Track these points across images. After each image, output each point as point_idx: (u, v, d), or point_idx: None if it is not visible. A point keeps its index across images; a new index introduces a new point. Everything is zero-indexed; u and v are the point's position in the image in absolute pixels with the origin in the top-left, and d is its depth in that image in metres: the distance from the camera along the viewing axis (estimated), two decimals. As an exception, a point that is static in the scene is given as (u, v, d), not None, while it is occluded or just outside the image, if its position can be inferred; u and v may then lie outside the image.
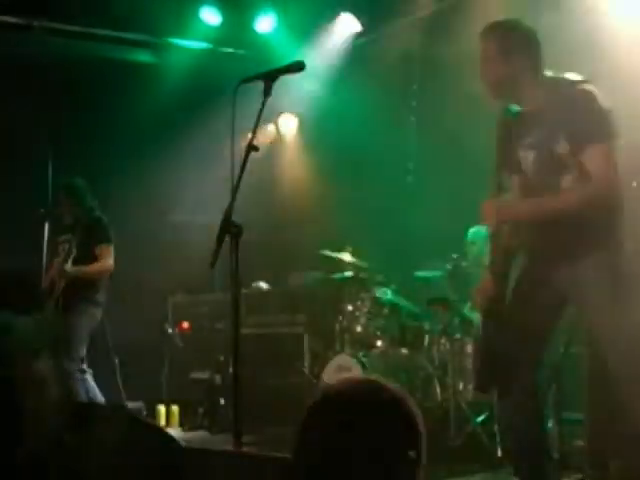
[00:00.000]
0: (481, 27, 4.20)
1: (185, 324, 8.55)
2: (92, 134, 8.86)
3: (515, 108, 4.27)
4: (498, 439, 6.11)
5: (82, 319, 7.12)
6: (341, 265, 7.54)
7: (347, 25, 9.02)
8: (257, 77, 3.94)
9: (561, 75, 4.13)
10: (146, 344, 8.61)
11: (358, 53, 9.30)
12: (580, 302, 4.01)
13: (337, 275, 7.55)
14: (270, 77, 3.92)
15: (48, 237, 7.28)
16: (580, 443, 5.34)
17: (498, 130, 4.35)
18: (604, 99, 3.94)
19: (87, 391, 7.06)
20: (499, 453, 6.07)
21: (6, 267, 7.77)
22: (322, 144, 9.01)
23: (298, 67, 3.98)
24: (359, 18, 8.93)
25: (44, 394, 2.35)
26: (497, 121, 4.38)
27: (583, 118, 3.90)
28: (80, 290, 7.11)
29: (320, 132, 9.03)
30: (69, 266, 7.03)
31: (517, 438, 4.22)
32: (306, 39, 9.12)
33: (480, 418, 6.47)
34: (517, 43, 4.11)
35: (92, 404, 6.56)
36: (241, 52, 9.45)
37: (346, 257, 7.45)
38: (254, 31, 9.41)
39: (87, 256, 7.17)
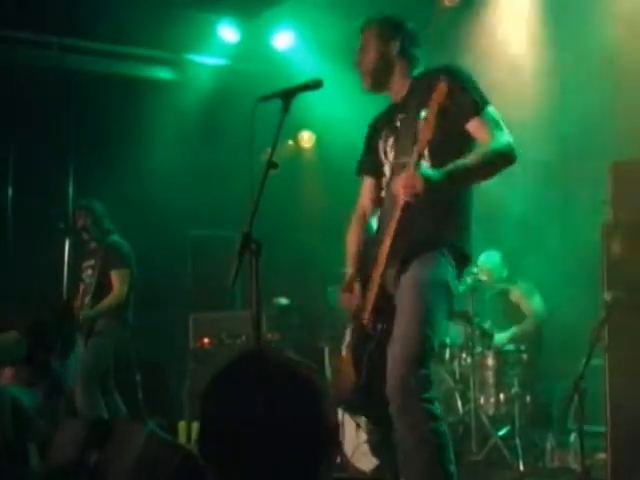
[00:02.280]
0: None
1: (206, 340, 8.55)
2: (113, 150, 8.91)
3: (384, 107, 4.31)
4: (520, 453, 6.09)
5: (107, 342, 7.17)
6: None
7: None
8: (275, 95, 3.95)
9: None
10: (168, 361, 8.63)
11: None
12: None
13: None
14: (288, 95, 3.93)
15: (69, 255, 7.32)
16: (602, 456, 5.32)
17: (368, 132, 4.40)
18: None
19: (110, 408, 7.11)
20: (521, 467, 6.06)
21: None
22: (340, 160, 9.02)
23: (316, 84, 4.00)
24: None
25: None
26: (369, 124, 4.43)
27: (458, 93, 3.78)
28: (107, 315, 7.17)
29: (338, 147, 9.03)
30: (86, 311, 7.09)
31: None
32: (325, 56, 9.16)
33: (502, 432, 6.45)
34: (397, 34, 4.23)
35: (112, 421, 6.60)
36: (259, 69, 9.48)
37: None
38: (272, 48, 9.46)
39: (104, 283, 7.21)
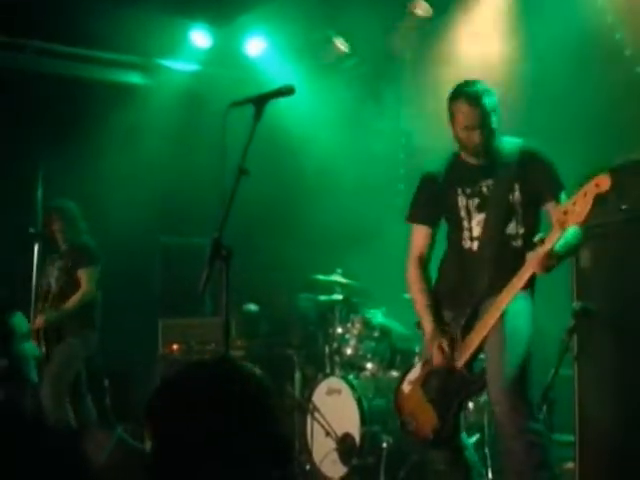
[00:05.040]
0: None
1: (175, 346, 8.50)
2: (82, 155, 8.85)
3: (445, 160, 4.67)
4: (489, 462, 6.09)
5: (76, 347, 7.11)
6: (331, 287, 7.53)
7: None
8: (247, 101, 3.95)
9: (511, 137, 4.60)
10: (136, 367, 8.58)
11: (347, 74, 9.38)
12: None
13: (327, 297, 7.54)
14: (260, 101, 3.93)
15: (38, 259, 7.26)
16: (570, 465, 5.33)
17: (428, 182, 4.72)
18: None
19: (81, 414, 7.07)
20: (490, 475, 6.06)
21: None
22: (311, 166, 9.01)
23: (288, 91, 3.99)
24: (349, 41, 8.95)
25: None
26: (426, 175, 4.74)
27: (543, 175, 4.41)
28: (74, 318, 7.11)
29: (309, 152, 9.03)
30: (50, 313, 7.03)
31: None
32: (296, 62, 9.17)
33: (471, 441, 6.45)
34: (494, 107, 4.46)
35: (81, 427, 6.55)
36: (231, 74, 9.47)
37: (336, 279, 7.45)
38: (244, 54, 9.44)
39: (72, 283, 7.16)
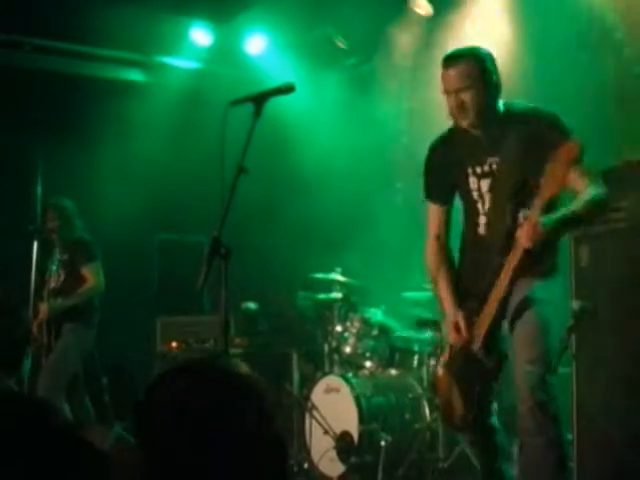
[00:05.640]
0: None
1: (174, 344, 8.50)
2: (82, 152, 8.85)
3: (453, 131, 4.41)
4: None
5: (75, 343, 7.13)
6: (330, 285, 7.54)
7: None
8: (247, 99, 3.96)
9: (518, 102, 4.33)
10: (135, 365, 8.58)
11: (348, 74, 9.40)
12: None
13: (326, 295, 7.54)
14: (260, 99, 3.93)
15: (37, 255, 7.27)
16: (570, 464, 5.33)
17: (436, 155, 4.52)
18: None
19: (79, 412, 7.09)
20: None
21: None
22: (310, 163, 9.01)
23: (288, 89, 4.00)
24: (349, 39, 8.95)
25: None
26: (432, 150, 4.54)
27: (548, 134, 4.04)
28: (73, 313, 7.12)
29: (310, 150, 9.03)
30: (56, 301, 7.05)
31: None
32: (296, 60, 9.18)
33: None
34: (491, 67, 4.22)
35: (78, 424, 6.56)
36: (231, 72, 9.47)
37: (335, 277, 7.45)
38: (244, 52, 9.45)
39: (75, 279, 7.18)
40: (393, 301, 7.52)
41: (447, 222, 4.56)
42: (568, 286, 5.04)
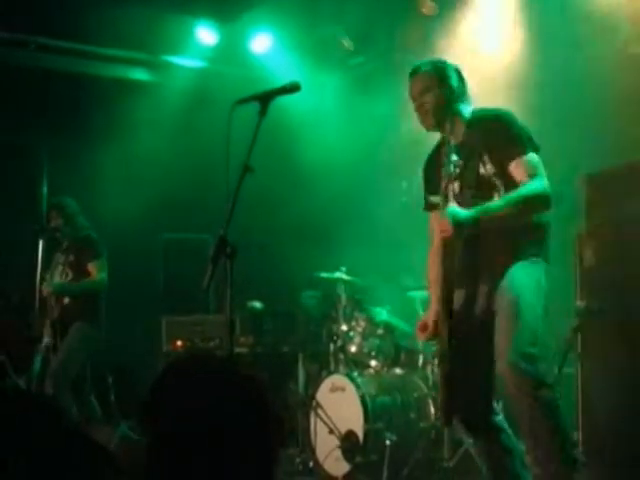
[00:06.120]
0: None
1: (179, 343, 8.52)
2: (87, 151, 8.87)
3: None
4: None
5: (81, 342, 7.15)
6: (336, 284, 7.53)
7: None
8: (252, 98, 3.96)
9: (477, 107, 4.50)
10: (140, 364, 8.60)
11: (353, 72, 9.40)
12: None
13: (331, 295, 7.54)
14: (266, 98, 3.93)
15: (43, 255, 7.28)
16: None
17: (427, 167, 4.68)
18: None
19: (85, 411, 7.10)
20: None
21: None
22: (315, 163, 9.01)
23: (293, 88, 4.00)
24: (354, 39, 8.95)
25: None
26: (425, 161, 4.72)
27: (503, 138, 4.23)
28: (79, 312, 7.14)
29: (315, 150, 9.03)
30: (56, 282, 7.09)
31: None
32: (302, 59, 9.18)
33: (471, 439, 6.45)
34: (449, 74, 4.46)
35: (85, 424, 6.57)
36: (237, 71, 9.48)
37: (341, 276, 7.45)
38: (250, 51, 9.45)
39: (78, 277, 7.21)
40: (398, 300, 7.52)
41: None
42: (573, 286, 5.05)
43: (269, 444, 1.88)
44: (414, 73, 4.48)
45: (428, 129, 4.51)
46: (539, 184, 4.14)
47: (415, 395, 6.82)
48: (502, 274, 4.16)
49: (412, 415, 6.74)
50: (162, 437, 1.85)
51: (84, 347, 7.18)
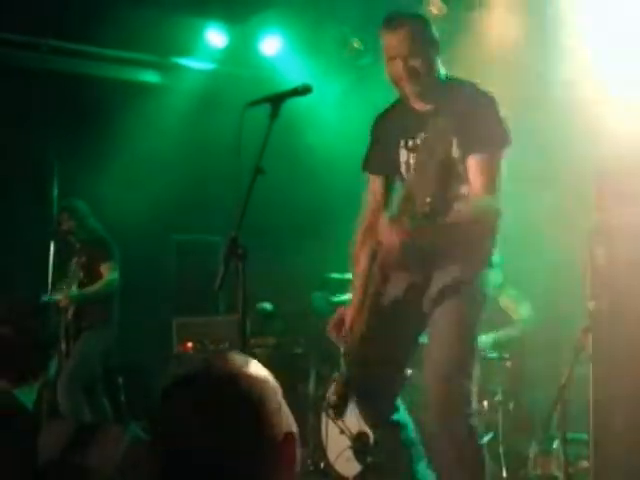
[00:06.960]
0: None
1: (190, 344, 8.52)
2: (98, 153, 8.89)
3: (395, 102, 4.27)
4: (503, 460, 6.09)
5: (94, 344, 7.18)
6: (346, 285, 7.53)
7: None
8: (264, 100, 3.96)
9: (460, 77, 4.09)
10: (151, 365, 8.62)
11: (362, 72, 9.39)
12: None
13: (343, 296, 7.53)
14: (277, 100, 3.93)
15: (54, 257, 7.31)
16: (585, 464, 5.33)
17: (378, 126, 4.38)
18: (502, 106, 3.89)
19: (97, 412, 7.11)
20: (504, 474, 6.06)
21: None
22: (326, 164, 9.01)
23: (305, 90, 4.00)
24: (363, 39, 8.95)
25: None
26: (375, 121, 4.43)
27: (480, 124, 3.81)
28: (93, 314, 7.16)
29: (325, 152, 9.03)
30: (73, 289, 7.10)
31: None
32: (312, 60, 9.18)
33: (485, 438, 6.45)
34: (429, 35, 4.00)
35: (96, 424, 6.58)
36: (247, 73, 9.49)
37: (351, 277, 7.43)
38: (260, 53, 9.46)
39: (90, 278, 7.23)
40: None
41: (387, 196, 4.37)
42: (585, 286, 5.04)
43: (271, 445, 1.88)
44: (399, 26, 3.92)
45: (410, 93, 4.03)
46: (491, 202, 3.84)
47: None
48: (448, 269, 3.96)
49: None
50: (174, 439, 1.85)
51: (97, 349, 7.20)
